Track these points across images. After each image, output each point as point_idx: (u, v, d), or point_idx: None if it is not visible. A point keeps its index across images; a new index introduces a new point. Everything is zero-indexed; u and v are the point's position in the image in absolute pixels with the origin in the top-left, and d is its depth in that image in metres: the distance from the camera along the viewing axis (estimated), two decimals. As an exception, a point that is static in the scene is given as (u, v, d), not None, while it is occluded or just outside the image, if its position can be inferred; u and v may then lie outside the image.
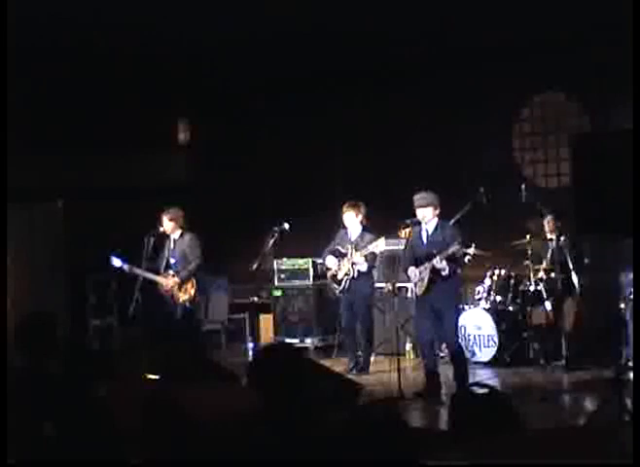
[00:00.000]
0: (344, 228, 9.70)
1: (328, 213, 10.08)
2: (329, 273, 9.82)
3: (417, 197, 8.25)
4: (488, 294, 10.06)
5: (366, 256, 9.39)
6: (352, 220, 9.59)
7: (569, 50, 10.19)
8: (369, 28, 9.82)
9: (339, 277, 9.61)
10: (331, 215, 9.98)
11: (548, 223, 9.54)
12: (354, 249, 9.49)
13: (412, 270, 8.27)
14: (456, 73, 11.05)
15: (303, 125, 12.15)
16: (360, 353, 9.63)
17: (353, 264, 9.46)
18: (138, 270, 9.37)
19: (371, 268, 9.58)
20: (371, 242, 9.39)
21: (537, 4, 9.09)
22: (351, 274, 9.51)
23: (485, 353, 9.78)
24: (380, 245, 9.30)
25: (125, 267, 9.48)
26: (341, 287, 9.61)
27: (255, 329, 11.31)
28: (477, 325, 9.85)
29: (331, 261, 9.71)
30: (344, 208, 9.61)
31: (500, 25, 9.81)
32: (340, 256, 9.65)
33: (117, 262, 9.57)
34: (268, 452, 3.23)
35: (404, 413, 7.26)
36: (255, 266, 9.84)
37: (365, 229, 9.63)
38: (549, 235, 9.57)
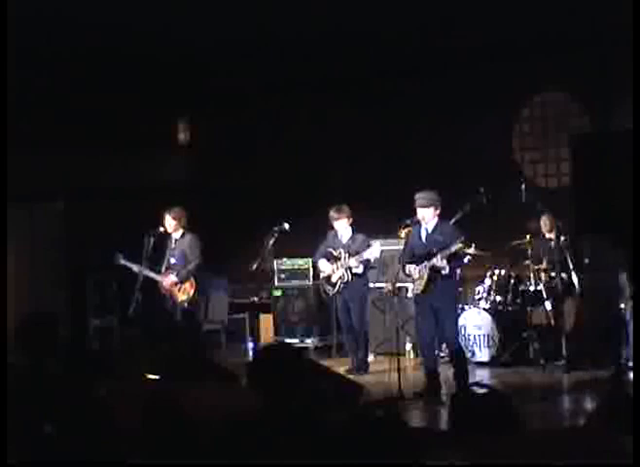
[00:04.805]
0: (334, 228, 9.69)
1: (328, 213, 10.07)
2: (322, 275, 9.82)
3: (419, 197, 8.20)
4: (488, 294, 10.06)
5: (361, 262, 9.39)
6: (343, 225, 9.60)
7: (569, 50, 10.18)
8: (368, 29, 9.81)
9: (333, 280, 9.60)
10: (331, 215, 9.97)
11: (545, 222, 9.54)
12: (347, 253, 9.49)
13: (412, 267, 8.25)
14: (456, 73, 11.05)
15: (304, 125, 12.14)
16: (360, 353, 9.63)
17: (348, 268, 9.46)
18: (145, 271, 9.33)
19: (365, 269, 9.56)
20: (363, 245, 9.39)
21: (537, 4, 9.08)
22: (345, 278, 9.50)
23: (485, 353, 9.78)
24: (375, 252, 9.29)
25: (134, 267, 9.44)
26: (335, 289, 9.61)
27: (255, 329, 11.31)
28: (477, 325, 9.85)
29: (324, 264, 9.71)
30: (335, 215, 9.54)
31: (500, 25, 9.80)
32: (332, 258, 9.64)
33: (123, 260, 9.56)
34: (268, 453, 3.23)
35: (404, 413, 7.26)
36: (255, 266, 9.84)
37: (354, 229, 9.63)
38: (547, 235, 9.57)
